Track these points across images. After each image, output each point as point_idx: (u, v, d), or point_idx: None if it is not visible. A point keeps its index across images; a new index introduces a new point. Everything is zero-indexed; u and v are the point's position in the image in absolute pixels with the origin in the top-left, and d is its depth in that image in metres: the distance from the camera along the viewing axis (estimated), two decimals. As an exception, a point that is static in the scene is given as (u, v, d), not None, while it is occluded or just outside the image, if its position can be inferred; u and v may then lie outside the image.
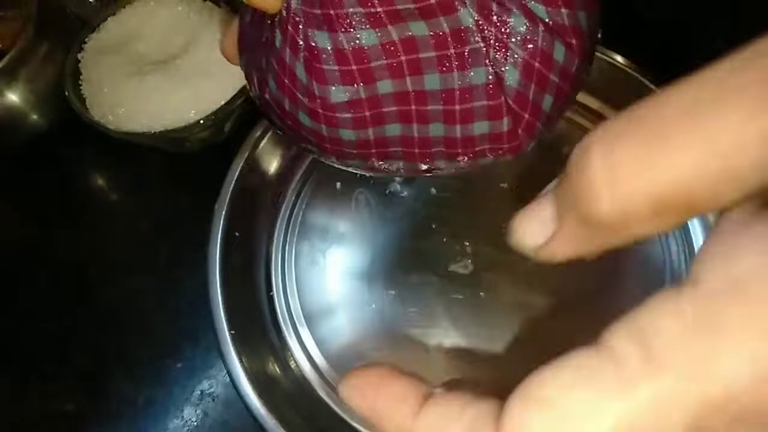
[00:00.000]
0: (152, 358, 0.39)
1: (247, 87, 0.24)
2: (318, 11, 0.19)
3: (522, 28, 0.19)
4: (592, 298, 0.34)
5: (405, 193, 0.40)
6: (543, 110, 0.20)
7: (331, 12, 0.18)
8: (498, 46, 0.19)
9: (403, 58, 0.19)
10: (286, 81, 0.20)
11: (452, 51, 0.19)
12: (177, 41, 0.42)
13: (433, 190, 0.40)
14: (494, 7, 0.18)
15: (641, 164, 0.10)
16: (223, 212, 0.39)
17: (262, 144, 0.41)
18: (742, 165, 0.10)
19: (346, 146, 0.21)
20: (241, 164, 0.40)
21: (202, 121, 0.39)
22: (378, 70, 0.19)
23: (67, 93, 0.41)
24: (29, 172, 0.47)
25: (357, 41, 0.19)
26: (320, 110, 0.20)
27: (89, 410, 0.37)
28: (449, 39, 0.19)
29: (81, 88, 0.42)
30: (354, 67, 0.19)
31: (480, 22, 0.19)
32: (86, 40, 0.43)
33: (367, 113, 0.20)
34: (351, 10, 0.18)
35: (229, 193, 0.39)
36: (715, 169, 0.10)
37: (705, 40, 0.45)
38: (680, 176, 0.10)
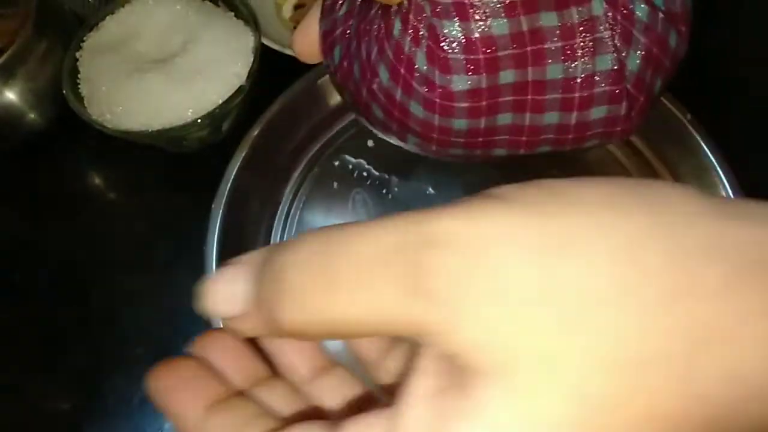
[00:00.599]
0: (149, 357, 0.39)
1: (333, 80, 0.24)
2: (448, 1, 0.19)
3: (644, 17, 0.20)
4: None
5: (402, 193, 0.40)
6: (654, 93, 0.21)
7: (465, 2, 0.19)
8: (623, 34, 0.20)
9: (528, 48, 0.19)
10: (402, 70, 0.20)
11: (578, 40, 0.19)
12: (176, 40, 0.42)
13: (430, 190, 0.40)
14: None
15: (319, 301, 0.12)
16: (220, 212, 0.39)
17: (259, 144, 0.41)
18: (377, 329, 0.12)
19: (453, 135, 0.21)
20: (239, 164, 0.40)
21: (199, 120, 0.39)
22: (503, 60, 0.19)
23: (65, 91, 0.41)
24: (27, 171, 0.47)
25: (488, 30, 0.19)
26: (437, 99, 0.20)
27: (86, 409, 0.38)
28: (577, 29, 0.19)
29: (79, 86, 0.42)
30: (481, 57, 0.19)
31: (609, 12, 0.19)
32: (84, 38, 0.43)
33: (484, 103, 0.20)
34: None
35: (226, 193, 0.39)
36: (361, 325, 0.12)
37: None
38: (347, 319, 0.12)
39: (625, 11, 0.20)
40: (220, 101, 0.39)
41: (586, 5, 0.19)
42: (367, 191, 0.41)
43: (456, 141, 0.21)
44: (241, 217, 0.40)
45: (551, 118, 0.21)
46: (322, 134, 0.43)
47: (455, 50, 0.19)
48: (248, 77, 0.40)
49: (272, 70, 0.43)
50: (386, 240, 0.12)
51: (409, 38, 0.20)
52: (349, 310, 0.12)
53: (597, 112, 0.20)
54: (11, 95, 0.43)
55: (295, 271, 0.13)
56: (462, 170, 0.41)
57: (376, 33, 0.21)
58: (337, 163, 0.42)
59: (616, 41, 0.20)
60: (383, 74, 0.21)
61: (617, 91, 0.20)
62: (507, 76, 0.20)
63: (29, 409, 0.38)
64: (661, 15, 0.20)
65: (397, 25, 0.20)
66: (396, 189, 0.40)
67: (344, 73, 0.23)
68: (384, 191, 0.40)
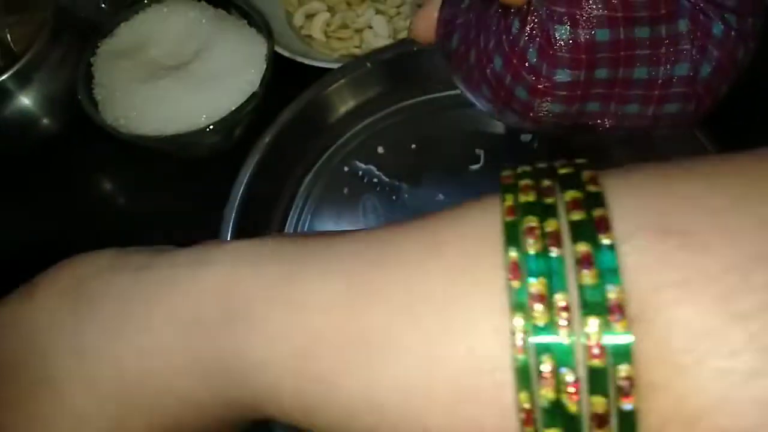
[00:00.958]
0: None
1: (446, 61, 0.28)
2: (563, 9, 0.23)
3: (719, 34, 0.24)
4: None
5: (412, 199, 0.41)
6: (719, 95, 0.26)
7: (577, 12, 0.23)
8: (700, 47, 0.24)
9: (622, 53, 0.24)
10: (515, 61, 0.24)
11: (663, 50, 0.24)
12: (189, 47, 0.43)
13: (441, 196, 0.41)
14: (702, 17, 0.24)
15: None
16: (232, 217, 0.39)
17: (270, 150, 0.41)
18: None
19: (546, 117, 0.25)
20: (250, 170, 0.40)
21: (212, 127, 0.40)
22: (601, 60, 0.24)
23: (80, 96, 0.42)
24: (41, 174, 0.48)
25: (592, 36, 0.23)
26: (541, 87, 0.24)
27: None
28: (663, 42, 0.24)
29: (94, 91, 0.42)
30: (583, 56, 0.23)
31: (691, 30, 0.24)
32: (99, 44, 0.44)
33: (579, 92, 0.24)
34: (596, 12, 0.23)
35: (238, 199, 0.40)
36: None
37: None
38: None
39: (704, 29, 0.24)
40: (233, 108, 0.40)
41: (673, 24, 0.24)
42: (377, 197, 0.41)
43: (546, 121, 0.25)
44: (252, 223, 0.40)
45: (632, 108, 0.25)
46: (332, 141, 0.44)
47: (563, 50, 0.23)
48: (261, 84, 0.41)
49: (283, 77, 0.43)
50: None
51: (525, 36, 0.24)
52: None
53: (670, 108, 0.25)
54: (26, 100, 0.44)
55: None
56: (471, 177, 0.41)
57: (495, 28, 0.25)
58: (347, 170, 0.43)
59: (694, 53, 0.24)
60: (497, 62, 0.25)
61: (689, 92, 0.25)
62: (601, 73, 0.24)
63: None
64: (733, 33, 0.24)
65: (516, 24, 0.24)
66: (406, 195, 0.41)
67: (460, 56, 0.27)
68: (394, 197, 0.41)
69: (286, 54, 0.45)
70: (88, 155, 0.48)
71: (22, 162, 0.48)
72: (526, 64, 0.24)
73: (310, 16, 0.51)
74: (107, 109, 0.41)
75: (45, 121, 0.46)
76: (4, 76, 0.41)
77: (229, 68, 0.41)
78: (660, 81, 0.25)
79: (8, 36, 0.48)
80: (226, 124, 0.40)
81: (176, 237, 0.43)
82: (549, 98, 0.25)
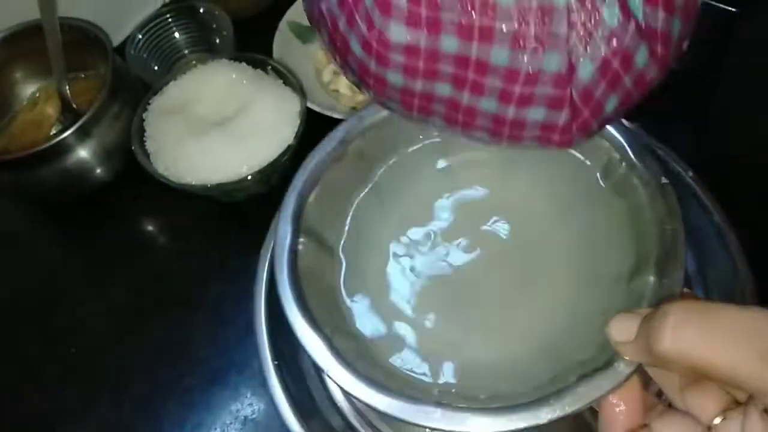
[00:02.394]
0: (202, 385, 0.43)
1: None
2: None
3: (613, 22, 0.17)
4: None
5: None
6: (604, 111, 0.20)
7: None
8: (582, 34, 0.18)
9: (476, 21, 0.18)
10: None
11: (533, 29, 0.18)
12: (231, 105, 0.48)
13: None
14: None
15: (694, 341, 0.19)
16: (268, 256, 0.43)
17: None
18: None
19: (389, 88, 0.21)
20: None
21: (251, 176, 0.44)
22: (447, 24, 0.18)
23: (134, 148, 0.47)
24: (93, 217, 0.53)
25: None
26: (374, 43, 0.19)
27: (143, 430, 0.42)
28: (534, 15, 0.18)
29: (146, 144, 0.47)
30: (423, 11, 0.18)
31: (572, 5, 0.17)
32: (150, 102, 0.49)
33: (421, 64, 0.19)
34: None
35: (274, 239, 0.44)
36: (731, 373, 0.18)
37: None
38: (710, 361, 0.19)
39: (590, 8, 0.18)
40: (271, 159, 0.45)
41: None
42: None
43: (392, 95, 0.21)
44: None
45: (489, 104, 0.20)
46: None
47: None
48: (296, 137, 0.46)
49: (314, 128, 0.48)
50: (753, 322, 0.19)
51: None
52: (715, 356, 0.19)
53: (534, 113, 0.19)
54: (84, 153, 0.49)
55: (677, 317, 0.20)
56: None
57: None
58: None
59: (572, 41, 0.18)
60: None
61: (560, 96, 0.19)
62: (450, 44, 0.19)
63: (95, 426, 0.42)
64: (633, 25, 0.18)
65: None
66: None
67: None
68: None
69: (317, 109, 0.50)
70: (137, 201, 0.53)
71: (75, 206, 0.53)
72: (360, 6, 0.19)
73: (337, 73, 0.56)
74: (158, 160, 0.46)
75: (98, 170, 0.51)
76: (67, 133, 0.46)
77: (267, 123, 0.46)
78: (524, 73, 0.18)
79: (68, 91, 0.53)
80: (265, 173, 0.45)
81: (217, 272, 0.48)
82: (386, 65, 0.20)
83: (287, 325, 0.41)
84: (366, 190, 0.44)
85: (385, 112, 0.43)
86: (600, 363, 0.31)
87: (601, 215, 0.39)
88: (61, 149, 0.47)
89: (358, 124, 0.43)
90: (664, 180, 0.36)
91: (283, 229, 0.39)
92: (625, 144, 0.37)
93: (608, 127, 0.37)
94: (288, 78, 0.49)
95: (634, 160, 0.37)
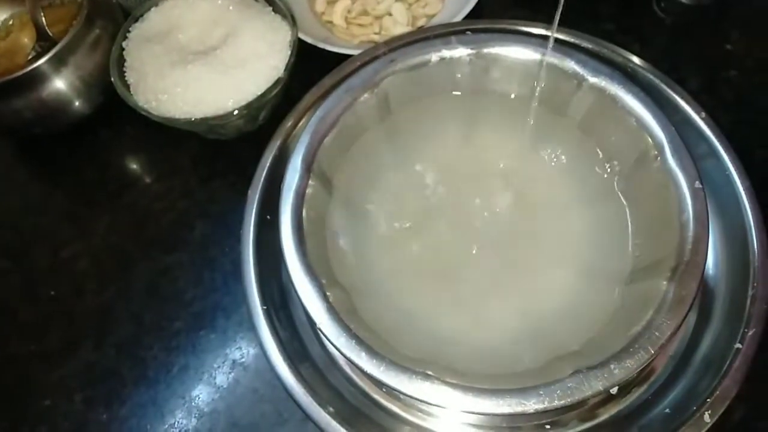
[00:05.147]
0: (187, 329, 0.41)
1: None
2: None
3: None
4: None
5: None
6: None
7: None
8: None
9: None
10: None
11: None
12: (217, 33, 0.44)
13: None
14: None
15: None
16: (256, 197, 0.41)
17: (293, 133, 0.43)
18: None
19: None
20: (273, 152, 0.42)
21: (237, 111, 0.42)
22: None
23: (113, 79, 0.44)
24: (72, 154, 0.50)
25: None
26: None
27: (129, 375, 0.40)
28: None
29: (126, 75, 0.44)
30: None
31: None
32: (130, 29, 0.46)
33: None
34: None
35: (262, 179, 0.42)
36: None
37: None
38: None
39: None
40: (259, 92, 0.42)
41: None
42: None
43: None
44: (275, 202, 0.42)
45: None
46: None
47: None
48: (285, 70, 0.42)
49: (306, 62, 0.45)
50: None
51: None
52: None
53: None
54: (60, 83, 0.46)
55: None
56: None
57: None
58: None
59: None
60: None
61: None
62: None
63: (78, 370, 0.41)
64: None
65: None
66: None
67: None
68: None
69: (309, 40, 0.47)
70: (118, 135, 0.50)
71: (54, 141, 0.50)
72: None
73: (331, 3, 0.52)
74: (139, 92, 0.43)
75: (77, 103, 0.48)
76: (41, 61, 0.43)
77: (254, 54, 0.43)
78: None
79: (43, 19, 0.50)
80: (252, 107, 0.42)
81: (203, 213, 0.46)
82: None
83: (281, 271, 0.40)
84: (382, 136, 0.41)
85: (418, 58, 0.40)
86: (595, 362, 0.29)
87: (611, 213, 0.37)
88: (36, 79, 0.44)
89: (389, 66, 0.40)
90: (698, 184, 0.34)
91: (292, 171, 0.37)
92: (665, 140, 0.35)
93: (650, 118, 0.35)
94: (277, 5, 0.45)
95: (670, 157, 0.35)
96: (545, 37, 0.39)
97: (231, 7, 0.45)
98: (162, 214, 0.46)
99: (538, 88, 0.39)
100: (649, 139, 0.36)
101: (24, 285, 0.45)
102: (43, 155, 0.51)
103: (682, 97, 0.42)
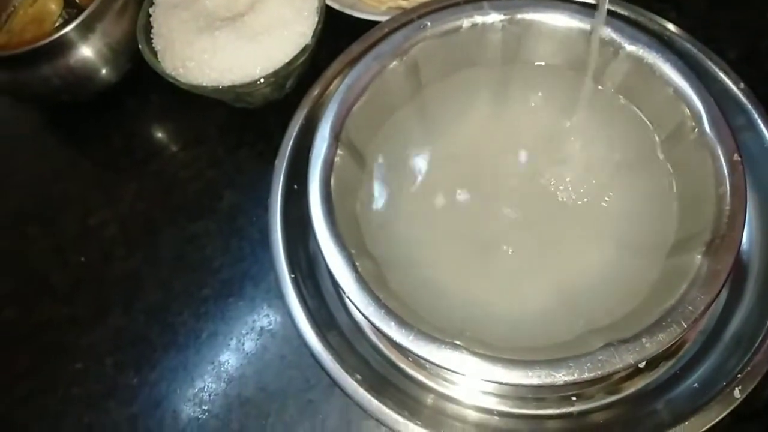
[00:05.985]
0: (216, 296, 0.42)
1: None
2: None
3: None
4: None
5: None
6: None
7: None
8: None
9: None
10: None
11: None
12: (244, 0, 0.44)
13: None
14: None
15: None
16: (283, 167, 0.41)
17: (320, 101, 0.43)
18: None
19: None
20: (300, 121, 0.42)
21: (264, 79, 0.41)
22: None
23: (140, 46, 0.43)
24: (99, 121, 0.50)
25: None
26: None
27: (159, 340, 0.41)
28: None
29: (153, 41, 0.44)
30: None
31: None
32: (157, -5, 0.45)
33: None
34: None
35: (289, 149, 0.41)
36: None
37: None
38: None
39: None
40: (286, 60, 0.41)
41: None
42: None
43: None
44: (302, 172, 0.42)
45: None
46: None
47: None
48: (313, 37, 0.42)
49: (333, 29, 0.45)
50: None
51: None
52: None
53: None
54: (87, 51, 0.46)
55: None
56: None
57: None
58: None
59: None
60: None
61: None
62: None
63: (111, 336, 0.41)
64: None
65: None
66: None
67: None
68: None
69: (336, 6, 0.46)
70: (145, 102, 0.50)
71: (81, 109, 0.50)
72: None
73: (358, -31, 0.51)
74: (166, 59, 0.43)
75: (104, 70, 0.48)
76: (69, 27, 0.43)
77: (281, 20, 0.42)
78: None
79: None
80: (279, 76, 0.41)
81: (230, 181, 0.46)
82: None
83: (308, 239, 0.40)
84: (412, 107, 0.41)
85: (449, 24, 0.39)
86: (627, 335, 0.29)
87: (655, 183, 0.37)
88: (64, 46, 0.44)
89: (419, 33, 0.39)
90: (736, 156, 0.33)
91: (320, 139, 0.37)
92: (703, 110, 0.34)
93: (688, 88, 0.33)
94: (306, -29, 0.44)
95: (708, 129, 0.34)
96: (581, 3, 0.38)
97: (258, -27, 0.44)
98: (189, 183, 0.46)
99: (583, 57, 0.38)
100: (687, 110, 0.35)
101: (53, 251, 0.45)
102: (70, 123, 0.51)
103: (720, 68, 0.41)
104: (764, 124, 0.39)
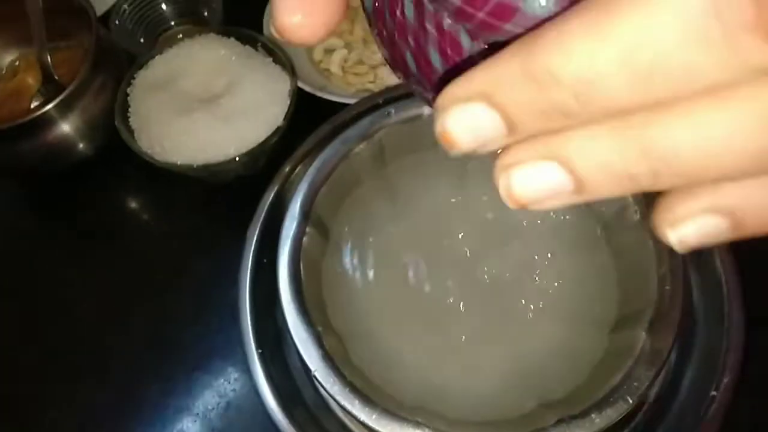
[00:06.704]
0: (183, 369, 0.42)
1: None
2: None
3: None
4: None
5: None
6: None
7: None
8: None
9: None
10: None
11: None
12: (220, 82, 0.46)
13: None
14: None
15: None
16: (254, 242, 0.42)
17: (290, 179, 0.45)
18: None
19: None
20: (271, 198, 0.44)
21: (238, 158, 0.43)
22: None
23: (117, 125, 0.45)
24: (73, 193, 0.51)
25: None
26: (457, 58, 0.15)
27: (126, 415, 0.41)
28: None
29: (130, 120, 0.46)
30: None
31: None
32: (135, 76, 0.48)
33: None
34: None
35: (259, 224, 0.43)
36: None
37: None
38: None
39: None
40: (260, 140, 0.43)
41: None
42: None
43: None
44: (272, 246, 0.43)
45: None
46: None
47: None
48: (285, 119, 0.44)
49: (303, 109, 0.47)
50: None
51: None
52: None
53: None
54: (66, 127, 0.47)
55: None
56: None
57: None
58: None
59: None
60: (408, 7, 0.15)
61: None
62: None
63: (79, 410, 0.41)
64: None
65: None
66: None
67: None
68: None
69: (307, 89, 0.49)
70: (119, 176, 0.52)
71: (56, 180, 0.51)
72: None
73: (328, 52, 0.54)
74: (142, 138, 0.45)
75: (81, 145, 0.49)
76: (49, 106, 0.45)
77: (255, 102, 0.45)
78: None
79: (49, 60, 0.51)
80: (253, 155, 0.44)
81: (201, 255, 0.47)
82: None
83: (276, 313, 0.41)
84: (376, 183, 0.43)
85: (412, 111, 0.42)
86: (578, 410, 0.31)
87: (597, 262, 0.39)
88: (43, 123, 0.46)
89: (384, 119, 0.42)
90: None
91: (290, 219, 0.39)
92: (642, 196, 0.37)
93: None
94: (278, 56, 0.47)
95: (650, 211, 0.36)
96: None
97: (233, 57, 0.47)
98: (160, 255, 0.48)
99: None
100: (629, 197, 0.38)
101: (22, 324, 0.46)
102: (44, 194, 0.52)
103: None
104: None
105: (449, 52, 0.15)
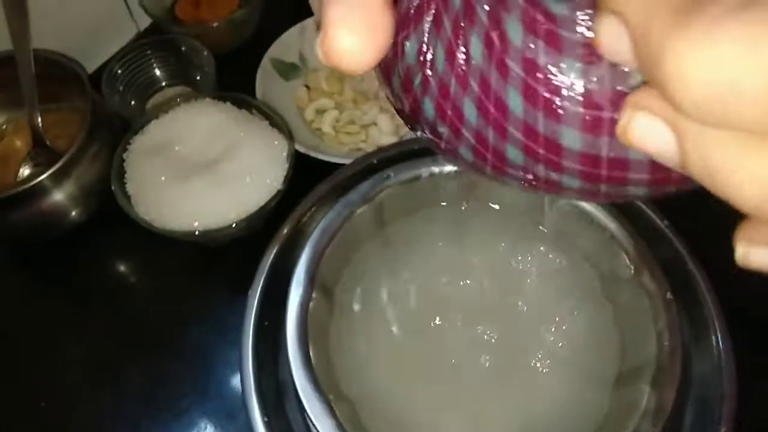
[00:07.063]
0: (185, 438, 0.42)
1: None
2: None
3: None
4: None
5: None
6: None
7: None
8: None
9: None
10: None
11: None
12: (217, 147, 0.47)
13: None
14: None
15: None
16: (255, 302, 0.42)
17: (290, 240, 0.45)
18: None
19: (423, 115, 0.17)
20: (270, 259, 0.44)
21: (236, 224, 0.44)
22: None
23: (114, 191, 0.45)
24: (66, 259, 0.51)
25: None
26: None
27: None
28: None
29: (126, 186, 0.46)
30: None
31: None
32: (131, 141, 0.48)
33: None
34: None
35: (260, 287, 0.43)
36: None
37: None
38: None
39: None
40: (259, 205, 0.44)
41: None
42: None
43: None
44: (273, 308, 0.44)
45: (515, 155, 0.16)
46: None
47: None
48: (284, 182, 0.45)
49: (298, 169, 0.48)
50: None
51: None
52: None
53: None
54: (59, 195, 0.47)
55: None
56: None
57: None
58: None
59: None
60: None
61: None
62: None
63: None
64: None
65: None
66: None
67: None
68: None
69: (301, 149, 0.50)
70: (115, 241, 0.51)
71: (49, 246, 0.50)
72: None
73: (320, 112, 0.56)
74: (139, 203, 0.45)
75: (74, 213, 0.48)
76: (44, 176, 0.44)
77: (254, 167, 0.45)
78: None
79: (40, 125, 0.51)
80: (252, 219, 0.44)
81: (199, 318, 0.47)
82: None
83: (278, 372, 0.41)
84: (377, 242, 0.44)
85: (411, 173, 0.43)
86: None
87: (598, 316, 0.41)
88: (36, 192, 0.45)
89: (384, 182, 0.43)
90: (669, 296, 0.37)
91: (296, 284, 0.39)
92: (636, 251, 0.39)
93: (622, 233, 0.38)
94: (274, 119, 0.48)
95: (644, 268, 0.38)
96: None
97: (230, 121, 0.48)
98: (157, 319, 0.47)
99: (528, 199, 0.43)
100: (623, 254, 0.40)
101: (17, 394, 0.44)
102: (36, 260, 0.51)
103: (646, 206, 0.46)
104: (687, 255, 0.44)
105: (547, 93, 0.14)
